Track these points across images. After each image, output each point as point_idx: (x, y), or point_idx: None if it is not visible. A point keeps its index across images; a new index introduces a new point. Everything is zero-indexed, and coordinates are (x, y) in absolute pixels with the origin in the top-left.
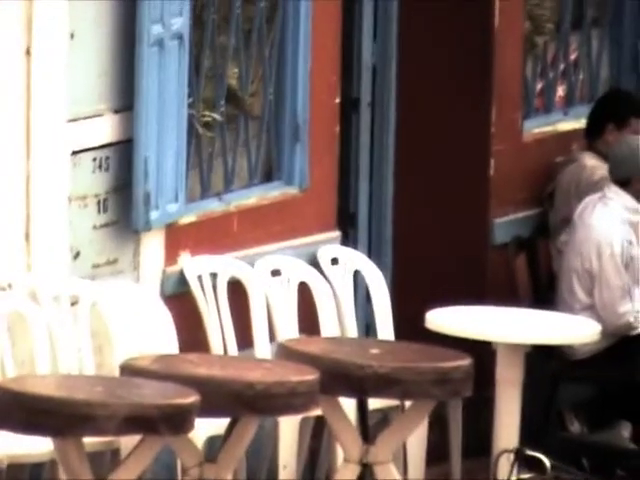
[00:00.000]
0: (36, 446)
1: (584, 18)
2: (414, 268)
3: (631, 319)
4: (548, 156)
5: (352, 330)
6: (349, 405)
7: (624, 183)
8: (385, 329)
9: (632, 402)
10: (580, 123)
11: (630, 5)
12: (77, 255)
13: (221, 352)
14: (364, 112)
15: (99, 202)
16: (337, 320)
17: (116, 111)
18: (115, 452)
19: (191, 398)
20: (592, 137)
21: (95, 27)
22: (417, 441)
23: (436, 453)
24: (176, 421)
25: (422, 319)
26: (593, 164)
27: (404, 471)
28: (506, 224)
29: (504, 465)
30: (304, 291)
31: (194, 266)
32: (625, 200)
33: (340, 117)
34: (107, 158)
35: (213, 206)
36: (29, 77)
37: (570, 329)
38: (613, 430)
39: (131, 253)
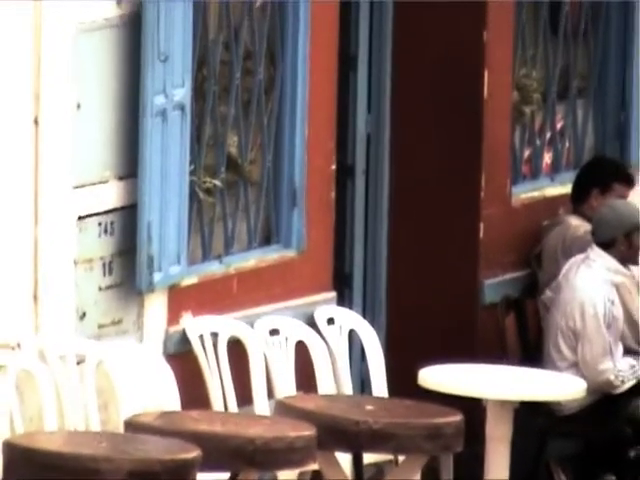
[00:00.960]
0: None
1: (570, 89)
2: (407, 327)
3: (612, 377)
4: (536, 220)
5: (347, 387)
6: (345, 459)
7: (607, 245)
8: (379, 386)
9: (617, 456)
10: (566, 188)
11: (614, 77)
12: (83, 316)
13: (222, 409)
14: (359, 179)
15: (104, 265)
16: (333, 377)
17: (121, 178)
18: None
19: (193, 453)
20: (578, 202)
21: (100, 98)
22: None
23: None
24: (178, 475)
25: (415, 376)
26: (577, 223)
27: None
28: (496, 285)
29: None
30: (301, 350)
31: (196, 326)
32: (608, 261)
33: (336, 183)
34: (112, 223)
35: (214, 268)
36: (37, 145)
37: (557, 386)
38: None
39: (135, 314)
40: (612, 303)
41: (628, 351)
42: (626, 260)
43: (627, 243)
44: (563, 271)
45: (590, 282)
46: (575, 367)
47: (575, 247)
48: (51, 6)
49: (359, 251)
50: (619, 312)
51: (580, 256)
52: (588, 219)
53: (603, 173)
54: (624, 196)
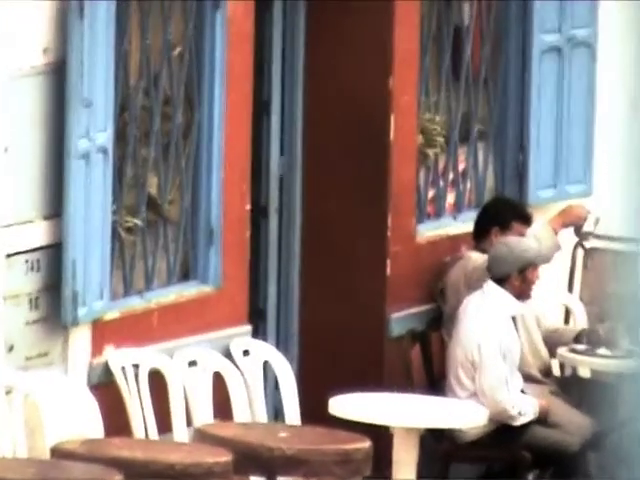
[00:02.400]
0: None
1: (471, 132)
2: (318, 359)
3: (508, 407)
4: (440, 257)
5: (262, 415)
6: None
7: (502, 280)
8: (292, 414)
9: (514, 479)
10: (468, 227)
11: (512, 121)
12: (11, 348)
13: (143, 436)
14: (272, 218)
15: (31, 300)
16: (248, 406)
17: (46, 217)
18: None
19: (115, 478)
20: (479, 239)
21: (27, 141)
22: None
23: None
24: None
25: (326, 405)
26: (477, 256)
27: None
28: (402, 318)
29: None
30: (218, 380)
31: (118, 358)
32: (503, 296)
33: (250, 222)
34: (38, 260)
35: (135, 303)
36: None
37: (460, 414)
38: None
39: (60, 346)
40: (507, 335)
41: (531, 379)
42: (520, 294)
43: (521, 278)
44: (461, 307)
45: (486, 316)
46: (475, 396)
47: (476, 276)
48: None
49: (273, 286)
50: (515, 344)
51: (477, 292)
52: None
53: (503, 212)
54: (522, 234)
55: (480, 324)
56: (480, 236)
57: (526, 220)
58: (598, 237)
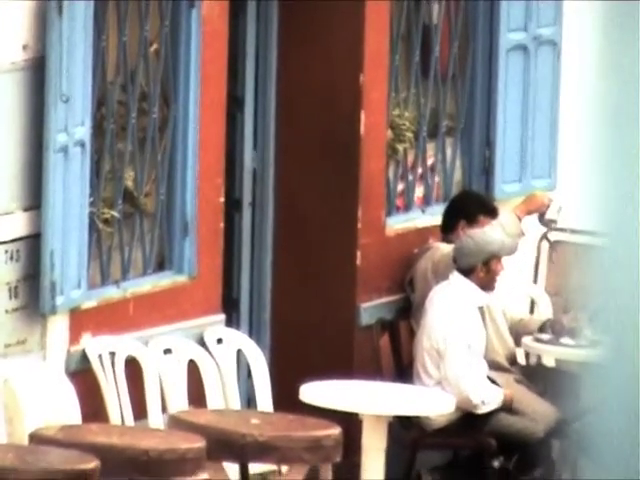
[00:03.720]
0: None
1: (439, 128)
2: (290, 347)
3: (472, 396)
4: (408, 249)
5: (235, 402)
6: (233, 469)
7: (467, 272)
8: (264, 401)
9: (482, 466)
10: (436, 220)
11: (479, 117)
12: None
13: (119, 422)
14: (245, 210)
15: (10, 289)
16: (222, 393)
17: (25, 209)
18: None
19: (92, 464)
20: (446, 232)
21: (7, 135)
22: None
23: None
24: None
25: (297, 392)
26: (444, 246)
27: None
28: (371, 308)
29: None
30: (192, 368)
31: (95, 346)
32: (468, 287)
33: (224, 215)
34: (18, 250)
35: (112, 292)
36: None
37: (427, 402)
38: None
39: (39, 334)
40: (472, 325)
41: (498, 367)
42: (485, 285)
43: (485, 270)
44: (429, 297)
45: (452, 306)
46: (441, 384)
47: (443, 265)
48: None
49: (246, 277)
50: (480, 334)
51: (443, 282)
52: None
53: (470, 206)
54: None
55: (446, 314)
56: (448, 229)
57: (492, 213)
58: (562, 230)
